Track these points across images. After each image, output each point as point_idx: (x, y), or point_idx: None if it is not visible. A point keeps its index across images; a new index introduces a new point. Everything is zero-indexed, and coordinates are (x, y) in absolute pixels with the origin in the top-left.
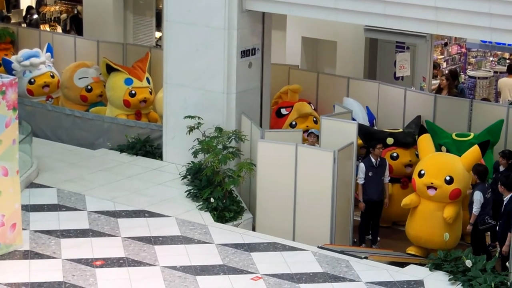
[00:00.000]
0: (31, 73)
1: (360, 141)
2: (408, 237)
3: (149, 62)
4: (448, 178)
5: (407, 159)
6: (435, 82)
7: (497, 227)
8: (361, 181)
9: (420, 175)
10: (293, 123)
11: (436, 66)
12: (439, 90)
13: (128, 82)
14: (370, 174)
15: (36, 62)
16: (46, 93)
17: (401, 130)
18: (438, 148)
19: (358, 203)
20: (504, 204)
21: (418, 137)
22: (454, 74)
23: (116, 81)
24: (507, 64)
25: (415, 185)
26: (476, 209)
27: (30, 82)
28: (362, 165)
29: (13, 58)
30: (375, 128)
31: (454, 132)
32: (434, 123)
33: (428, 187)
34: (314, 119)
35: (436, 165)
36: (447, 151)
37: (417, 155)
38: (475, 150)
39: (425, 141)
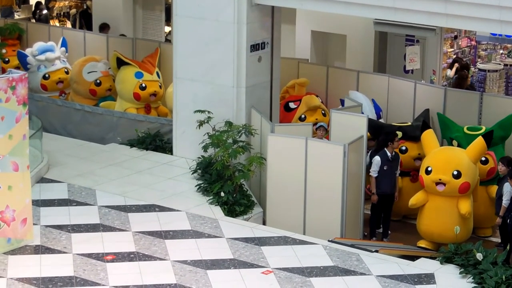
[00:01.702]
0: (46, 68)
1: (368, 134)
2: (420, 233)
3: (158, 57)
4: (455, 172)
5: (416, 152)
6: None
7: (508, 220)
8: (374, 174)
9: (428, 172)
10: (302, 116)
11: (458, 60)
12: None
13: (138, 75)
14: (385, 168)
15: (52, 57)
16: (59, 89)
17: (409, 123)
18: (449, 142)
19: (371, 196)
20: None
21: (421, 133)
22: (465, 67)
23: (127, 74)
24: None
25: (423, 182)
26: (506, 201)
27: (44, 77)
28: (378, 158)
29: (28, 52)
30: (382, 120)
31: (465, 126)
32: (445, 116)
33: (437, 183)
34: (323, 112)
35: (443, 161)
36: (458, 144)
37: None
38: (479, 141)
39: (428, 137)
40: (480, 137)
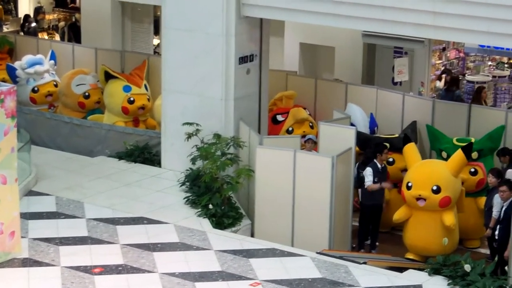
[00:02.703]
0: (35, 81)
1: (357, 148)
2: (406, 246)
3: (147, 69)
4: (435, 187)
5: (403, 164)
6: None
7: (497, 232)
8: (370, 183)
9: (408, 187)
10: (290, 129)
11: (447, 72)
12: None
13: (126, 89)
14: (375, 180)
15: (41, 70)
16: (49, 102)
17: (396, 135)
18: (438, 153)
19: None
20: (504, 209)
21: (403, 147)
22: (456, 80)
23: (115, 88)
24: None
25: (404, 197)
26: (496, 212)
27: (33, 91)
28: (370, 169)
29: (16, 65)
30: (377, 135)
31: (454, 137)
32: (435, 127)
33: (417, 199)
34: (311, 124)
35: (422, 176)
36: (448, 156)
37: None
38: (459, 154)
39: (410, 150)
40: (459, 149)
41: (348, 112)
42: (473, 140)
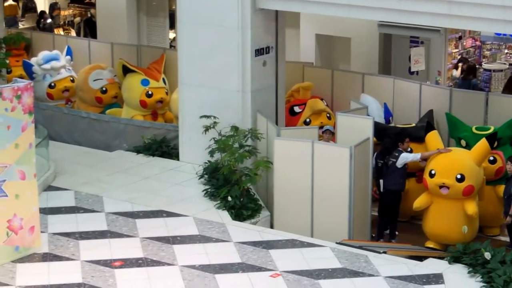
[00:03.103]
0: (51, 77)
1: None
2: (426, 234)
3: (164, 63)
4: (459, 176)
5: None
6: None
7: None
8: (418, 155)
9: (431, 175)
10: (307, 120)
11: (463, 60)
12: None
13: (144, 83)
14: (405, 166)
15: (57, 66)
16: (65, 97)
17: (413, 124)
18: (457, 141)
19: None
20: None
21: (425, 134)
22: (473, 68)
23: (133, 82)
24: None
25: (427, 184)
26: None
27: (50, 86)
28: (404, 153)
29: (33, 61)
30: (392, 125)
31: (473, 126)
32: (454, 115)
33: (441, 187)
34: (328, 115)
35: (446, 164)
36: (467, 144)
37: None
38: (483, 143)
39: (433, 138)
40: (484, 138)
41: (363, 102)
42: (492, 128)
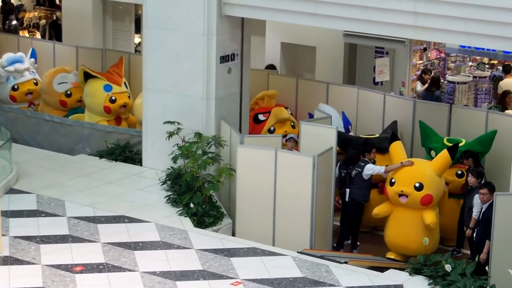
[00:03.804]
0: (15, 79)
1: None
2: (386, 244)
3: (128, 68)
4: (417, 184)
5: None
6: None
7: (474, 234)
8: (382, 168)
9: (391, 184)
10: (271, 128)
11: (427, 71)
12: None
13: (107, 88)
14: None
15: (21, 68)
16: (28, 100)
17: (377, 135)
18: (428, 151)
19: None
20: (483, 211)
21: (390, 145)
22: (436, 80)
23: (95, 88)
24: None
25: (387, 193)
26: (476, 213)
27: (13, 89)
28: (369, 164)
29: None
30: (351, 133)
31: (445, 137)
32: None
33: (400, 195)
34: (292, 124)
35: (406, 173)
36: (436, 155)
37: None
38: (444, 154)
39: (396, 149)
40: (445, 150)
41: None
42: (464, 141)
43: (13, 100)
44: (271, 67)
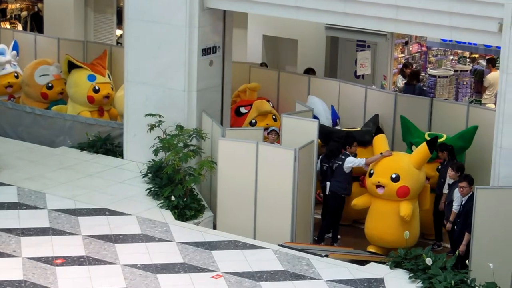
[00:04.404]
0: None
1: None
2: (366, 236)
3: (109, 60)
4: (394, 176)
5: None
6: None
7: (454, 227)
8: (363, 160)
9: (370, 175)
10: (253, 121)
11: (408, 65)
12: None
13: (91, 78)
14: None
15: (2, 61)
16: (9, 93)
17: (359, 128)
18: (409, 146)
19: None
20: (463, 203)
21: (372, 138)
22: (416, 74)
23: (79, 78)
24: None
25: (366, 185)
26: (456, 206)
27: None
28: (350, 157)
29: None
30: (338, 127)
31: (427, 132)
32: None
33: (377, 186)
34: (274, 117)
35: (383, 164)
36: None
37: None
38: (423, 147)
39: (379, 141)
40: (424, 143)
41: (310, 104)
42: (445, 136)
43: None
44: (309, 71)
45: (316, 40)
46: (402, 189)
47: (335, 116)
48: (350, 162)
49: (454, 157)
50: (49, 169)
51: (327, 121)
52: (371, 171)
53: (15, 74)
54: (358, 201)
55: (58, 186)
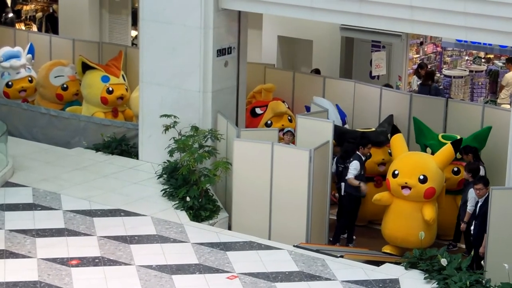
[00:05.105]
0: (9, 76)
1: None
2: (384, 237)
3: (124, 61)
4: (422, 177)
5: (380, 157)
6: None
7: (472, 228)
8: (352, 177)
9: (394, 175)
10: (269, 122)
11: (423, 66)
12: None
13: (105, 79)
14: (362, 172)
15: (17, 65)
16: (22, 97)
17: (373, 129)
18: (423, 148)
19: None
20: (479, 205)
21: (391, 137)
22: (431, 74)
23: (93, 79)
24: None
25: (389, 185)
26: (470, 207)
27: (7, 85)
28: (357, 163)
29: None
30: (346, 125)
31: (440, 134)
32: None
33: (403, 187)
34: (289, 117)
35: (410, 165)
36: (432, 153)
37: (390, 154)
38: (448, 148)
39: (397, 141)
40: (449, 144)
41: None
42: (459, 137)
43: (6, 97)
44: (315, 71)
45: (331, 40)
46: (429, 191)
47: (342, 115)
48: (351, 172)
49: (479, 159)
50: (64, 170)
51: (336, 120)
52: (396, 172)
53: (29, 79)
54: (381, 196)
55: (73, 187)
